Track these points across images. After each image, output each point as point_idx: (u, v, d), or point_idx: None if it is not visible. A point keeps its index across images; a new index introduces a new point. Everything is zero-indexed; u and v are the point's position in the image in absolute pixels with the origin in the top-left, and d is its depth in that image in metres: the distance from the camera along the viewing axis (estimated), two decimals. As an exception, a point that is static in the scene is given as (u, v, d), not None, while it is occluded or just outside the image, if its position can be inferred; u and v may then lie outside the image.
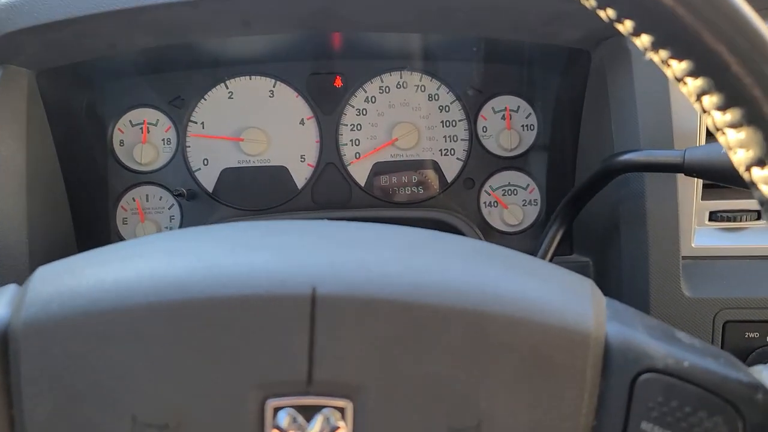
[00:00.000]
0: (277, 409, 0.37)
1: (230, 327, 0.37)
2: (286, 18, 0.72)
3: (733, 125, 0.37)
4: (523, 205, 0.91)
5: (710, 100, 0.37)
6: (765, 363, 0.68)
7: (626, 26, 0.37)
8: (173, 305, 0.37)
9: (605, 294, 0.43)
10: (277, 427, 0.37)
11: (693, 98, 0.38)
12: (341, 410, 0.37)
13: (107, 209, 0.88)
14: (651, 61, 0.71)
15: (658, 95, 0.70)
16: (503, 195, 0.91)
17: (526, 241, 0.90)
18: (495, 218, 0.91)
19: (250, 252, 0.41)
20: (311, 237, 0.43)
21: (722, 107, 0.37)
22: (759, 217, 0.76)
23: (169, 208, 0.89)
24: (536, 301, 0.40)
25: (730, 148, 0.39)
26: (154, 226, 0.88)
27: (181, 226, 0.89)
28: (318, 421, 0.37)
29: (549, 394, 0.39)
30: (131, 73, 0.87)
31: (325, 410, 0.37)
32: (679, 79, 0.37)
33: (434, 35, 0.85)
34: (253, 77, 0.89)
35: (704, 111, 0.38)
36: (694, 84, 0.37)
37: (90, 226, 0.85)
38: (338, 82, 0.90)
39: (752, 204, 0.75)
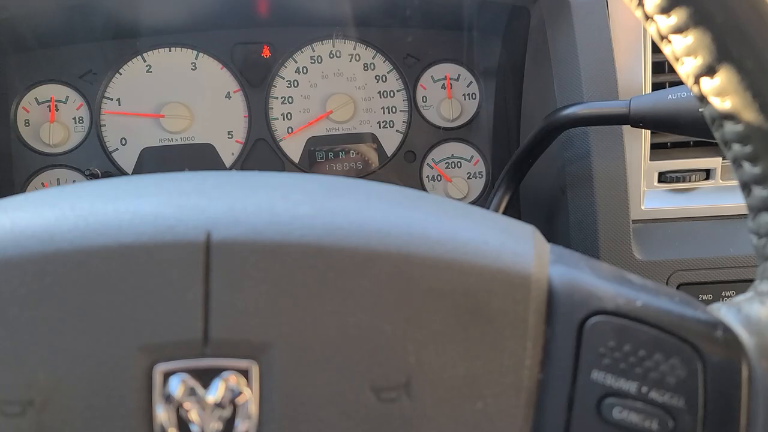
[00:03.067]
0: (167, 375, 0.31)
1: (106, 281, 0.31)
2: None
3: (679, 29, 0.33)
4: (468, 178, 0.87)
5: (653, 3, 0.33)
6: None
7: None
8: (34, 258, 0.31)
9: None
10: (169, 397, 0.31)
11: (634, 4, 0.34)
12: (245, 373, 0.31)
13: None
14: (592, 12, 0.67)
15: (601, 48, 0.67)
16: (446, 168, 0.87)
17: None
18: (439, 192, 0.86)
19: (134, 199, 0.35)
20: (211, 181, 0.38)
21: (666, 9, 0.33)
22: (708, 177, 0.74)
23: (84, 193, 0.82)
24: (469, 241, 0.35)
25: (677, 59, 0.35)
26: (68, 212, 0.80)
27: (98, 212, 0.82)
28: (218, 387, 0.31)
29: (487, 344, 0.34)
30: (34, 46, 0.79)
31: (225, 374, 0.31)
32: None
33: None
34: (173, 49, 0.83)
35: (647, 17, 0.34)
36: (634, -15, 0.33)
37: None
38: (266, 52, 0.84)
39: (700, 163, 0.73)
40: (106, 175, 0.81)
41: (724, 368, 0.33)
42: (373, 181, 0.43)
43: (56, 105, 0.81)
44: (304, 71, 0.85)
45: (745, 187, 0.36)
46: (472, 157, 0.87)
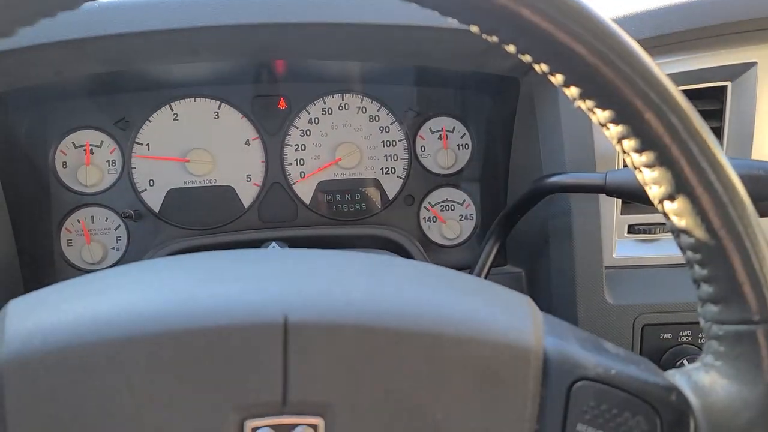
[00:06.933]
0: (255, 429, 0.40)
1: (209, 356, 0.40)
2: (234, 48, 0.75)
3: (648, 165, 0.43)
4: (460, 220, 0.97)
5: (629, 144, 0.43)
6: (678, 366, 0.76)
7: (557, 78, 0.43)
8: (153, 337, 0.40)
9: (537, 301, 0.49)
10: (257, 447, 0.40)
11: (614, 141, 0.44)
12: (314, 427, 0.41)
13: (51, 231, 0.88)
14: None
15: (581, 122, 0.77)
16: (441, 210, 0.96)
17: (463, 253, 0.96)
18: (434, 233, 0.96)
19: (222, 283, 0.44)
20: (278, 266, 0.47)
21: (639, 150, 0.43)
22: (670, 229, 0.85)
23: (115, 229, 0.90)
24: (484, 321, 0.44)
25: (645, 184, 0.45)
26: (101, 247, 0.89)
27: (128, 247, 0.90)
28: (292, 435, 0.41)
29: (497, 404, 0.43)
30: (74, 96, 0.87)
31: (299, 428, 0.41)
32: (602, 125, 0.43)
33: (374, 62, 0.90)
34: (198, 99, 0.91)
35: (624, 152, 0.44)
36: (615, 129, 0.43)
37: (33, 248, 0.85)
38: (282, 104, 0.93)
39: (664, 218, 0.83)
40: (137, 215, 0.89)
41: (676, 424, 0.44)
42: (401, 259, 0.52)
43: (91, 149, 0.89)
44: (316, 122, 0.94)
45: (695, 282, 0.46)
46: (464, 201, 0.97)
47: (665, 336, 0.80)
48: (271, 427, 0.40)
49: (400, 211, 0.96)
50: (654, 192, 0.45)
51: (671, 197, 0.44)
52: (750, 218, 0.44)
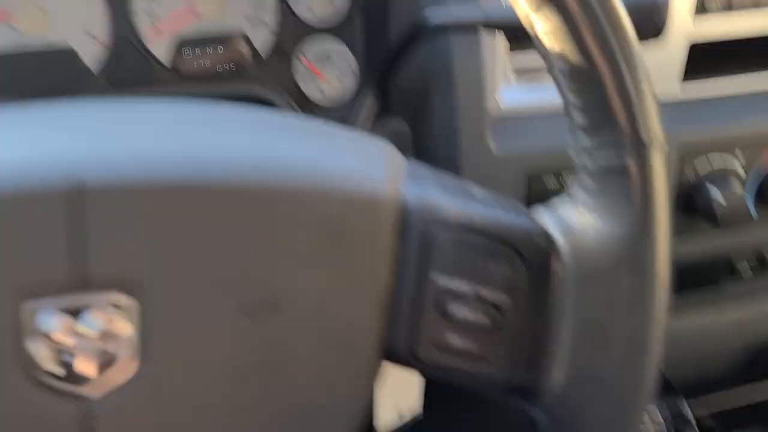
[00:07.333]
0: (35, 312, 0.33)
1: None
2: None
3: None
4: (340, 76, 0.88)
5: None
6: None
7: None
8: None
9: (421, 158, 0.43)
10: (41, 333, 0.33)
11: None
12: (117, 307, 0.34)
13: None
14: None
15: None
16: (319, 65, 0.87)
17: (345, 111, 0.89)
18: (312, 89, 0.87)
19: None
20: (74, 121, 0.38)
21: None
22: (559, 74, 0.80)
23: (-73, 105, 0.76)
24: (324, 169, 0.38)
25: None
26: None
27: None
28: (91, 318, 0.34)
29: (347, 261, 0.38)
30: None
31: (95, 309, 0.34)
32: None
33: None
34: (13, -62, 0.76)
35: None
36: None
37: None
38: (121, -57, 0.79)
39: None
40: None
41: (542, 269, 0.40)
42: (236, 106, 0.44)
43: None
44: (166, -36, 0.81)
45: (567, 113, 0.42)
46: (345, 54, 0.88)
47: (550, 183, 0.77)
48: (59, 309, 0.34)
49: (273, 67, 0.86)
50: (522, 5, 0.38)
51: (538, 8, 0.38)
52: (627, 38, 0.39)
